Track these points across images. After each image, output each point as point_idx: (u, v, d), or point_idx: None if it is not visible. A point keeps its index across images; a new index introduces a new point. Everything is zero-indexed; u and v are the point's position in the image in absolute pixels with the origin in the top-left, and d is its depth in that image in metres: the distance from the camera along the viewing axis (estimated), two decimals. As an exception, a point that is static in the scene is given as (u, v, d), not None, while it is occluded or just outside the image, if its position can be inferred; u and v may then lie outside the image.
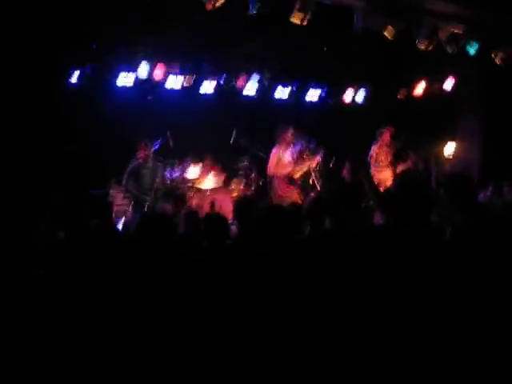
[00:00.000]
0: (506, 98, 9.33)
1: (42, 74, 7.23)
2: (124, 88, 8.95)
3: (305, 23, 6.38)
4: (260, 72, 10.16)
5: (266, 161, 9.26)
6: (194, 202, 9.09)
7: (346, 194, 4.38)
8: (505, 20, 7.29)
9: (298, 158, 9.11)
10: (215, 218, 4.77)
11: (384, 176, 9.19)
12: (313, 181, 9.11)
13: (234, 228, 4.90)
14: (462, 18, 7.31)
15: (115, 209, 7.83)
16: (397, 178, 9.23)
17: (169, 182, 8.85)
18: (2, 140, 6.82)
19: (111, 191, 8.20)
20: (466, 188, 3.99)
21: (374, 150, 9.37)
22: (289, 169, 8.96)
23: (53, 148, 7.24)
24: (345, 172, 8.37)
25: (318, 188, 8.98)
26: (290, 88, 10.61)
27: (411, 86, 11.22)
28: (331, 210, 4.26)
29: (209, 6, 6.06)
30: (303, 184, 9.16)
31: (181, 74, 9.33)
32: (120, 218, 7.86)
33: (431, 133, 10.41)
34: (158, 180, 8.50)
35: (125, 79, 8.89)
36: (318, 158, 9.08)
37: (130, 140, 8.60)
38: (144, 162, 8.49)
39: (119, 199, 8.29)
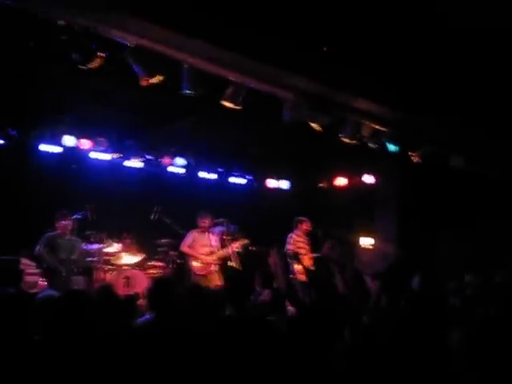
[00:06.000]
0: (421, 195, 9.85)
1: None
2: (48, 154, 8.87)
3: (236, 107, 6.53)
4: (185, 156, 10.34)
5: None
6: (109, 277, 8.83)
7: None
8: (423, 123, 7.78)
9: (221, 241, 9.15)
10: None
11: (305, 263, 9.32)
12: (232, 263, 9.08)
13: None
14: (384, 118, 7.73)
15: (26, 279, 7.46)
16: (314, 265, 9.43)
17: (85, 254, 8.49)
18: None
19: (22, 260, 7.82)
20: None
21: (292, 237, 9.46)
22: (206, 249, 8.96)
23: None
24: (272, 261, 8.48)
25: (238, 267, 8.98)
26: (214, 174, 10.97)
27: (332, 178, 11.70)
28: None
29: (144, 83, 6.07)
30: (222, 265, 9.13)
31: (105, 152, 9.38)
32: (31, 289, 7.41)
33: (349, 224, 10.74)
34: (76, 253, 8.11)
35: (49, 147, 8.86)
36: (241, 243, 9.14)
37: (47, 208, 8.33)
38: (62, 233, 8.04)
39: (30, 269, 7.89)
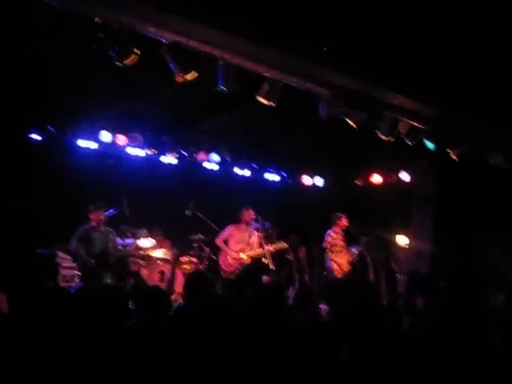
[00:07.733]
0: (460, 194, 9.62)
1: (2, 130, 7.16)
2: (86, 149, 8.95)
3: (272, 103, 6.47)
4: (219, 151, 10.31)
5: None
6: (144, 272, 8.89)
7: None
8: (461, 121, 7.60)
9: (259, 239, 9.08)
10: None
11: (342, 260, 9.27)
12: (266, 261, 9.02)
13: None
14: (422, 115, 7.57)
15: (63, 272, 7.56)
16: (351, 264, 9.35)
17: (120, 248, 8.57)
18: None
19: (59, 253, 7.93)
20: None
21: (330, 234, 9.44)
22: (241, 246, 8.95)
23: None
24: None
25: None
26: (248, 171, 10.88)
27: (368, 176, 11.54)
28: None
29: (179, 79, 6.05)
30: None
31: (141, 148, 9.41)
32: (68, 282, 7.52)
33: (385, 222, 10.58)
34: (110, 245, 8.17)
35: (86, 143, 8.93)
36: (279, 248, 9.02)
37: (84, 202, 8.42)
38: (96, 226, 8.16)
39: (67, 263, 8.00)
